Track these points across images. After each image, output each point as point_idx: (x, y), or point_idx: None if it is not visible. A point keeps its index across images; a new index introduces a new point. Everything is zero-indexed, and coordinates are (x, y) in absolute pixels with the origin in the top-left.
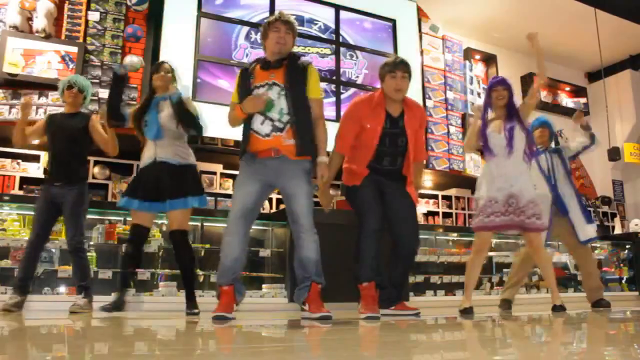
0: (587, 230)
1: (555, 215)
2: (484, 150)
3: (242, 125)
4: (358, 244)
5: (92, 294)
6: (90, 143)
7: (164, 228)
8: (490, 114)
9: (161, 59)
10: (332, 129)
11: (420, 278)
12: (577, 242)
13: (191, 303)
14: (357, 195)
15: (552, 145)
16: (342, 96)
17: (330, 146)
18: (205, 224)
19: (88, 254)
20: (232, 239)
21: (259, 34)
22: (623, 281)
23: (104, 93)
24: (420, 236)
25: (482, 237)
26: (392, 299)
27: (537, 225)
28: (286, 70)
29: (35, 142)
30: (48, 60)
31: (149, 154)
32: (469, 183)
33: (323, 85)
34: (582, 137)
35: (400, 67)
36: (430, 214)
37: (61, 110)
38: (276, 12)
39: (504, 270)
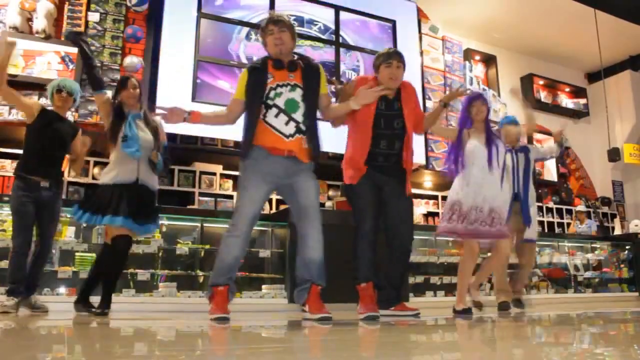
0: (529, 231)
1: (513, 211)
2: (465, 158)
3: (249, 119)
4: (355, 245)
5: None
6: None
7: (164, 229)
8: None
9: (161, 59)
10: (331, 129)
11: (420, 279)
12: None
13: (106, 302)
14: (354, 194)
15: (520, 142)
16: None
17: (329, 147)
18: (205, 224)
19: (87, 254)
20: (238, 240)
21: (259, 38)
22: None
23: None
24: (421, 237)
25: (471, 246)
26: (391, 299)
27: (506, 232)
28: (304, 74)
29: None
30: (48, 61)
31: (129, 172)
32: None
33: None
34: (555, 146)
35: (395, 56)
36: (430, 214)
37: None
38: (266, 15)
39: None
